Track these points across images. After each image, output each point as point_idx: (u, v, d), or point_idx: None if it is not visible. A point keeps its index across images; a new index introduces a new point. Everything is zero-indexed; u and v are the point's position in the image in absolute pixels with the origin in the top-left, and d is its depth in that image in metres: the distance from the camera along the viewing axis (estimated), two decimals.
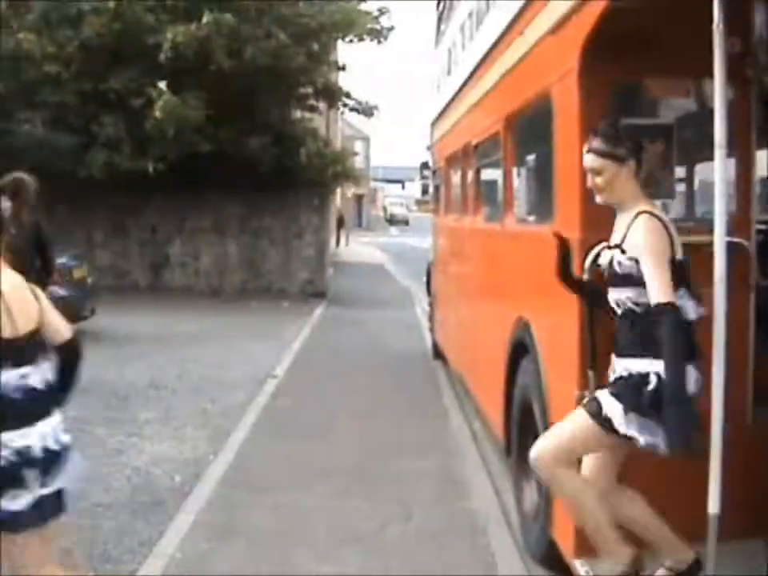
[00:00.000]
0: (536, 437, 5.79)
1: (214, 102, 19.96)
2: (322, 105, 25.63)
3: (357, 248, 46.38)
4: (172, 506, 6.79)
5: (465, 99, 9.91)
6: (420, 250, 40.24)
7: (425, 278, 16.24)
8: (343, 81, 27.48)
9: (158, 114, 18.83)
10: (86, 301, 14.91)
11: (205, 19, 18.98)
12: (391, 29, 23.66)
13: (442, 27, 13.10)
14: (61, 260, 14.44)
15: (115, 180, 20.17)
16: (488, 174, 9.09)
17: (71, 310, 14.39)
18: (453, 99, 11.10)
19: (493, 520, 6.57)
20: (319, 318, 18.74)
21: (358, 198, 72.95)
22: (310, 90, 23.90)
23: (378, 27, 23.44)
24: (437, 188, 14.20)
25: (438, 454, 8.33)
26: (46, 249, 10.76)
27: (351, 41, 23.58)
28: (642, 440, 3.96)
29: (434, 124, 13.89)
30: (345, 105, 24.93)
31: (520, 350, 6.27)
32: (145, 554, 5.85)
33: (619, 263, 4.06)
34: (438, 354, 13.09)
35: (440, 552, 5.90)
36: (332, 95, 24.48)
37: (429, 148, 15.74)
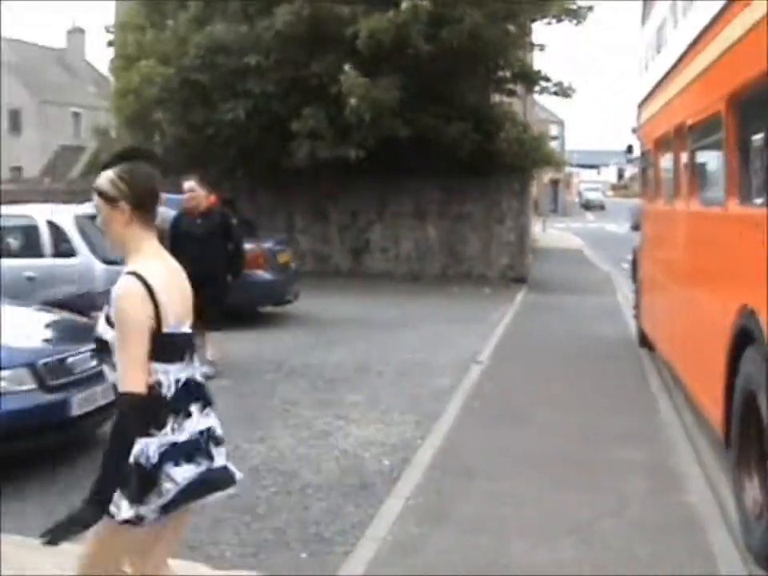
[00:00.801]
0: (760, 429, 5.55)
1: (413, 87, 20.03)
2: (518, 88, 25.39)
3: (554, 233, 45.85)
4: (381, 489, 6.81)
5: (678, 78, 9.56)
6: (618, 235, 39.65)
7: (626, 264, 15.88)
8: (538, 62, 27.15)
9: (352, 101, 19.04)
10: (290, 285, 15.26)
11: (403, 6, 19.06)
12: (590, 8, 23.26)
13: (649, 4, 12.73)
14: (266, 245, 14.88)
15: (316, 166, 20.53)
16: (705, 156, 8.75)
17: (276, 293, 14.88)
18: (663, 79, 10.74)
19: (710, 516, 6.31)
20: (521, 304, 18.58)
21: (554, 183, 72.09)
22: (507, 73, 23.72)
23: (575, 7, 23.08)
24: (644, 171, 13.82)
25: (649, 445, 8.10)
26: (234, 235, 11.02)
27: (549, 22, 23.29)
28: None
29: (641, 105, 13.51)
30: (543, 88, 24.59)
31: (744, 338, 5.99)
32: (357, 536, 5.88)
33: (101, 333, 3.44)
34: (643, 341, 12.73)
35: (656, 546, 5.71)
36: (530, 78, 24.19)
37: (635, 131, 15.34)
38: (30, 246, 11.89)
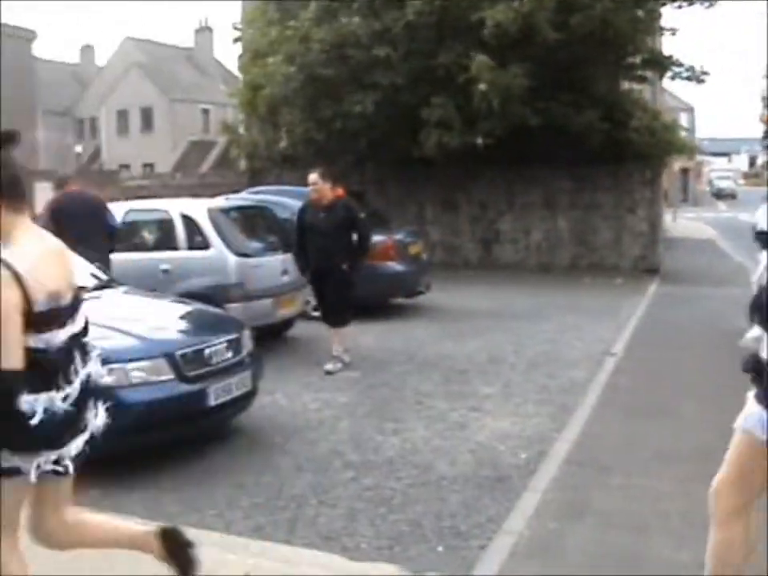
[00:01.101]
0: None
1: (542, 75, 19.82)
2: (648, 74, 24.88)
3: (684, 223, 44.87)
4: (518, 482, 6.72)
5: None
6: (751, 225, 38.47)
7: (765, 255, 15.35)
8: (666, 47, 26.54)
9: (481, 86, 18.94)
10: (421, 276, 15.24)
11: None
12: None
13: None
14: (397, 236, 14.90)
15: (445, 157, 20.49)
16: None
17: (407, 285, 14.87)
18: None
19: None
20: (654, 295, 18.21)
21: (683, 172, 70.55)
22: (637, 59, 23.27)
23: None
24: None
25: None
26: (360, 227, 10.95)
27: (680, 6, 22.80)
28: None
29: None
30: (675, 73, 24.01)
31: None
32: (493, 529, 5.80)
33: None
34: None
35: None
36: (661, 63, 23.67)
37: None
38: (165, 239, 12.09)
